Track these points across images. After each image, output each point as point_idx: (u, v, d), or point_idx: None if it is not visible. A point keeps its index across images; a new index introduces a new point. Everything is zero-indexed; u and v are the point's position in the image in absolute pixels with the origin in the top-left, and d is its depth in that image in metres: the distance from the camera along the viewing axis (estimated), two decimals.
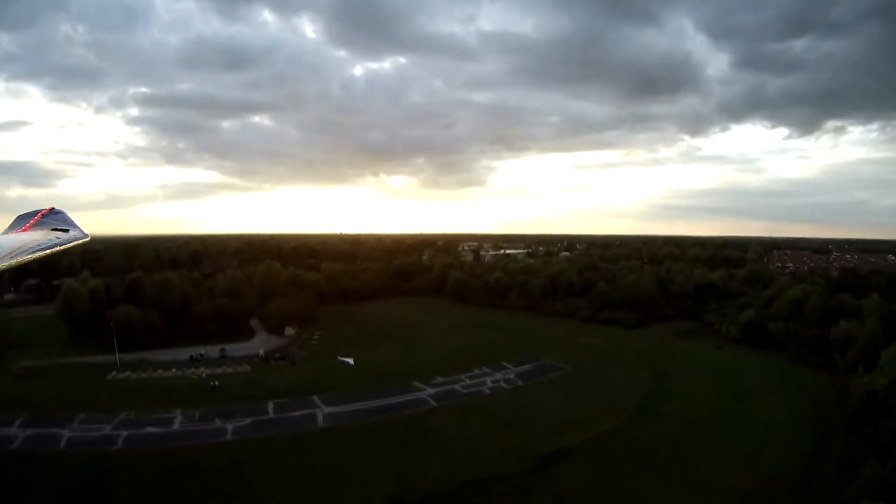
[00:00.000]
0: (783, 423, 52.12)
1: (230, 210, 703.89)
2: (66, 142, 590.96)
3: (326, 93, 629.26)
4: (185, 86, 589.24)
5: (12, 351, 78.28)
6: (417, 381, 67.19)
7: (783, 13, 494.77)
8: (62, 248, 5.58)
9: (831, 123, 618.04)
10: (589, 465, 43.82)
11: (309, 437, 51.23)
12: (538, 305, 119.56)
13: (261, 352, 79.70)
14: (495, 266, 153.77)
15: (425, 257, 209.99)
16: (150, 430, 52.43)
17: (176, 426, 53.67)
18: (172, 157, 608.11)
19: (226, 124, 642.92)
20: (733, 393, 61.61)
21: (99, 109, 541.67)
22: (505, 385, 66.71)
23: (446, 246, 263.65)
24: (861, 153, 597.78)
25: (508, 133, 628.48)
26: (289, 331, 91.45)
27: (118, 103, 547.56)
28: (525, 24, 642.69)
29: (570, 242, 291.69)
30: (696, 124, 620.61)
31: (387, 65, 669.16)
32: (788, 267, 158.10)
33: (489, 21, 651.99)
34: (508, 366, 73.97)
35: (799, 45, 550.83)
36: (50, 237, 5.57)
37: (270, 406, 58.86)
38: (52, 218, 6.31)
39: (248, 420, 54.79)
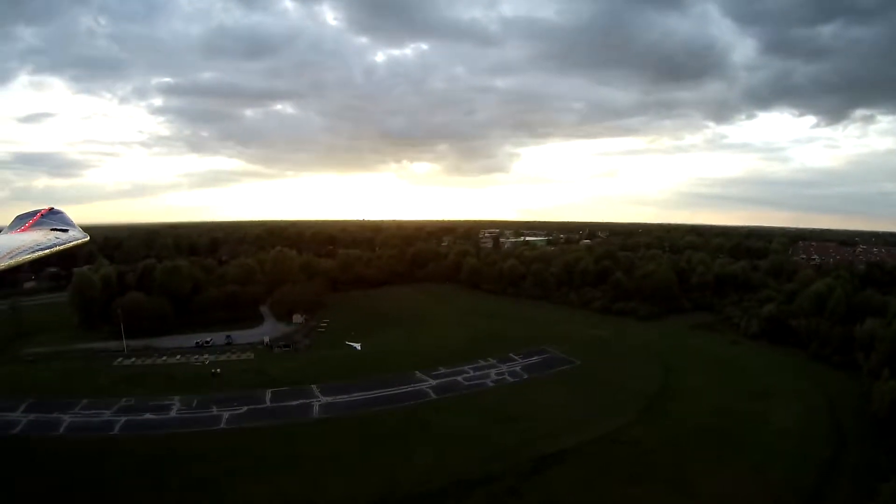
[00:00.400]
0: (798, 430, 48.48)
1: (254, 197, 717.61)
2: (91, 132, 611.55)
3: (348, 80, 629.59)
4: (208, 75, 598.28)
5: (25, 338, 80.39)
6: (420, 371, 66.05)
7: None
8: (61, 248, 5.62)
9: (860, 112, 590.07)
10: (585, 469, 41.60)
11: (302, 427, 50.75)
12: (552, 295, 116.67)
13: (266, 339, 79.82)
14: (510, 254, 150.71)
15: (445, 244, 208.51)
16: (148, 416, 53.04)
17: (173, 413, 54.07)
18: (196, 146, 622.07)
19: (249, 112, 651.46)
20: (747, 394, 57.99)
21: (123, 100, 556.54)
22: (509, 378, 64.80)
23: (466, 233, 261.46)
24: (890, 143, 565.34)
25: (531, 119, 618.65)
26: (297, 318, 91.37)
27: (142, 93, 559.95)
28: (547, 10, 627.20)
29: (591, 230, 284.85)
30: (722, 111, 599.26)
31: (408, 51, 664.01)
32: (814, 259, 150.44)
33: (511, 6, 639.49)
34: (515, 358, 72.03)
35: (827, 30, 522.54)
36: (49, 237, 5.66)
37: (268, 395, 58.69)
38: (51, 218, 6.39)
39: (244, 408, 54.76)
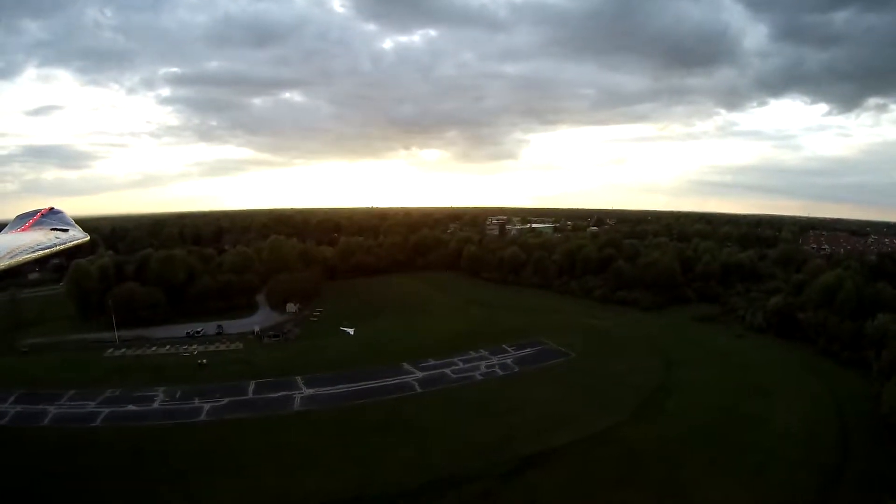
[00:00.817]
0: (801, 434, 45.53)
1: (263, 185, 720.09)
2: (100, 124, 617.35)
3: (356, 67, 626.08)
4: (215, 64, 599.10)
5: (24, 329, 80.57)
6: (408, 362, 64.58)
7: None
8: (62, 247, 5.73)
9: (873, 101, 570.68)
10: (569, 471, 39.56)
11: (281, 420, 49.83)
12: (553, 283, 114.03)
13: (256, 329, 78.97)
14: (512, 241, 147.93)
15: (451, 231, 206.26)
16: (131, 407, 52.68)
17: (156, 405, 53.57)
18: (205, 135, 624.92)
19: (257, 101, 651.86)
20: (749, 392, 55.07)
21: (131, 91, 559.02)
22: (499, 371, 62.94)
23: (473, 220, 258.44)
24: None
25: (540, 106, 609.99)
26: (290, 307, 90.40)
27: (149, 84, 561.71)
28: None
29: (599, 217, 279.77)
30: (733, 98, 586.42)
31: (416, 38, 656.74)
32: (824, 248, 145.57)
33: None
34: (508, 349, 70.12)
35: (840, 17, 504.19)
36: (49, 237, 5.74)
37: (251, 386, 57.77)
38: (51, 217, 6.43)
39: (226, 400, 54.01)
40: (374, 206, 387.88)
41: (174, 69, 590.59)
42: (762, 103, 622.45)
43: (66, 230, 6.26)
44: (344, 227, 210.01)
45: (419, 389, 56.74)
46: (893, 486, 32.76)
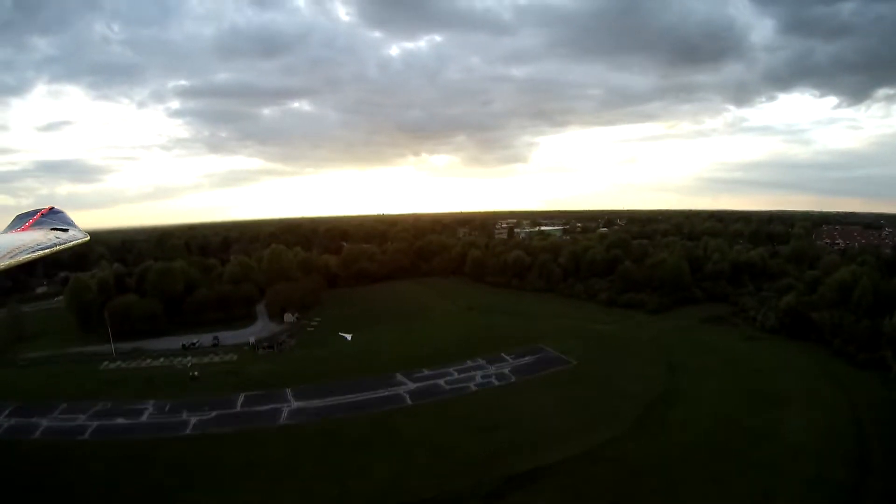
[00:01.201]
0: (814, 447, 42.03)
1: (274, 195, 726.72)
2: (111, 138, 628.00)
3: (363, 74, 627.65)
4: (224, 76, 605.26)
5: (26, 342, 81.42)
6: (402, 372, 62.72)
7: None
8: (62, 247, 5.67)
9: (883, 91, 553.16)
10: (559, 492, 36.91)
11: (265, 434, 48.50)
12: (558, 286, 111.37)
13: (251, 340, 78.04)
14: (517, 244, 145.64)
15: (460, 236, 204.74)
16: (120, 421, 52.25)
17: (144, 418, 52.96)
18: (216, 147, 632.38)
19: (266, 111, 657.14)
20: (759, 400, 51.71)
21: (141, 104, 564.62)
22: (496, 381, 60.48)
23: (482, 224, 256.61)
24: None
25: (548, 107, 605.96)
26: (288, 317, 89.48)
27: (159, 97, 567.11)
28: None
29: (609, 218, 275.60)
30: (742, 93, 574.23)
31: (422, 43, 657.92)
32: (837, 243, 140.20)
33: None
34: (506, 357, 67.77)
35: (847, 7, 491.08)
36: (49, 237, 5.69)
37: (240, 399, 56.68)
38: (52, 217, 6.42)
39: (214, 413, 53.07)
40: (385, 212, 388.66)
41: (183, 82, 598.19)
42: (771, 98, 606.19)
43: (66, 230, 6.18)
44: (351, 234, 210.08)
45: (409, 402, 54.73)
46: None
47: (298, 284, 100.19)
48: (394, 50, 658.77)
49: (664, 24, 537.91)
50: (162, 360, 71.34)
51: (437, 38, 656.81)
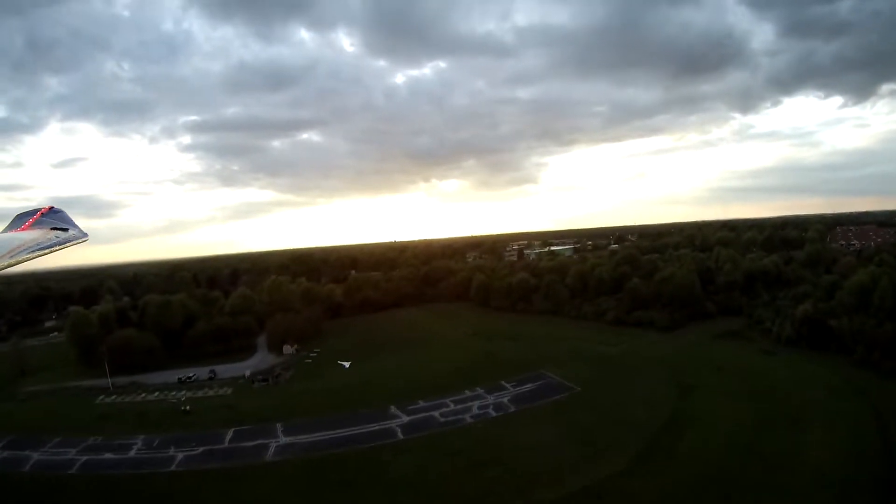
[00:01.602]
0: (838, 473, 38.11)
1: (287, 226, 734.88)
2: (124, 173, 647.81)
3: (370, 103, 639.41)
4: (233, 110, 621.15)
5: (26, 376, 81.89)
6: (396, 405, 60.21)
7: None
8: (61, 247, 5.71)
9: (887, 87, 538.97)
10: None
11: (251, 471, 46.85)
12: (564, 308, 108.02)
13: (247, 373, 76.59)
14: (522, 267, 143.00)
15: (469, 259, 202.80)
16: (108, 455, 51.90)
17: (132, 453, 52.29)
18: (228, 180, 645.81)
19: (276, 143, 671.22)
20: (776, 421, 47.90)
21: (152, 140, 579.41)
22: (493, 412, 57.22)
23: (492, 247, 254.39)
24: None
25: (555, 127, 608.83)
26: (287, 348, 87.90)
27: (170, 132, 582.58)
28: (561, 15, 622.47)
29: (620, 234, 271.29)
30: (747, 100, 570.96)
31: (427, 70, 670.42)
32: (853, 244, 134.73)
33: (524, 15, 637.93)
34: (507, 386, 64.71)
35: (845, 5, 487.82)
36: (49, 236, 5.71)
37: (230, 434, 55.27)
38: (52, 217, 6.39)
39: (200, 449, 51.82)
40: (396, 239, 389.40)
41: (193, 117, 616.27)
42: (776, 103, 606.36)
43: (66, 229, 6.16)
44: (361, 262, 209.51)
45: (401, 436, 52.00)
46: None
47: (299, 315, 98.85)
48: (399, 78, 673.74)
49: (665, 37, 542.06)
50: (157, 394, 70.33)
51: (441, 64, 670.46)
